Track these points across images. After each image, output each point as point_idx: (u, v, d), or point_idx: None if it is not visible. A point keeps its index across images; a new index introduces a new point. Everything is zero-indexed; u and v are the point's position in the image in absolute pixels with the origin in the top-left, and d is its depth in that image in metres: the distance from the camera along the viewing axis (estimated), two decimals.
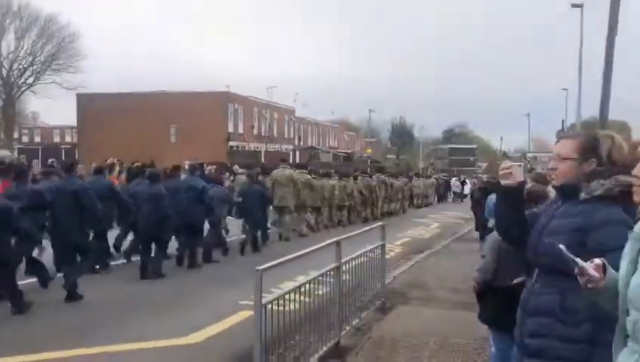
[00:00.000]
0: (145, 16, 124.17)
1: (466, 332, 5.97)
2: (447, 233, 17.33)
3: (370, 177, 21.87)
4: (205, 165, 19.50)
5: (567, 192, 2.38)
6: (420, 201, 28.79)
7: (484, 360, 5.09)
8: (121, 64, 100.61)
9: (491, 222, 4.30)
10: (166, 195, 9.22)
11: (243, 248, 11.52)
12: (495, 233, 4.30)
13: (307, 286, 4.88)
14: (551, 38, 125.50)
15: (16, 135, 55.16)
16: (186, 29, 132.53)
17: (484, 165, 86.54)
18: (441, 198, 34.88)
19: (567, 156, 2.38)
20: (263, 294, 3.95)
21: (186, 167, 13.21)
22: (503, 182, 2.52)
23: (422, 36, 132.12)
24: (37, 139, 70.91)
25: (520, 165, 2.53)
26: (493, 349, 4.43)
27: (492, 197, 4.50)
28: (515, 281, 4.11)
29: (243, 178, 14.40)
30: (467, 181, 39.61)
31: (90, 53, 56.32)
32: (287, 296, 4.45)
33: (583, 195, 2.32)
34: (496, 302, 4.16)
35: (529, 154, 72.36)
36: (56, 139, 69.30)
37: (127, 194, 9.64)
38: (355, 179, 19.73)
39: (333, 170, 20.15)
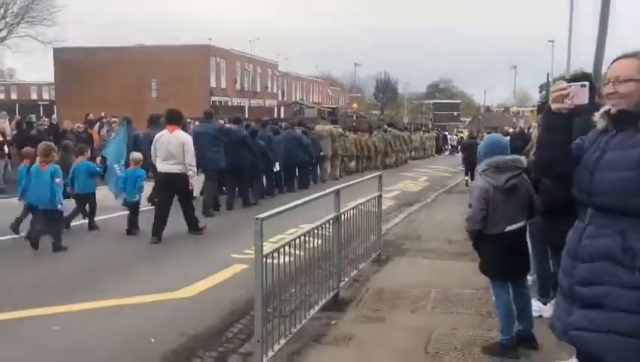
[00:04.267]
0: None
1: (466, 283, 5.85)
2: (435, 186, 17.24)
3: (385, 132, 24.60)
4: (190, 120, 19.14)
5: (626, 120, 2.10)
6: (417, 154, 30.32)
7: (488, 309, 4.97)
8: (98, 17, 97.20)
9: (480, 167, 4.09)
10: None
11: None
12: (480, 182, 4.08)
13: (307, 236, 4.65)
14: None
15: None
16: None
17: (467, 120, 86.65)
18: (439, 151, 36.94)
19: (630, 77, 2.09)
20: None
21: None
22: (554, 106, 2.21)
23: None
24: (13, 96, 69.00)
25: (585, 85, 2.20)
26: (494, 298, 4.29)
27: (483, 140, 4.32)
28: (508, 228, 3.95)
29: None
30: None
31: (67, 5, 54.17)
32: (287, 247, 4.22)
33: None
34: (491, 250, 4.01)
35: (512, 108, 72.61)
36: (34, 96, 67.54)
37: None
38: (371, 133, 23.03)
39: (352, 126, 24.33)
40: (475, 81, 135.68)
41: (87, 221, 9.04)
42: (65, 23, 61.71)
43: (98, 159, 11.33)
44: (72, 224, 8.86)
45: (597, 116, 2.20)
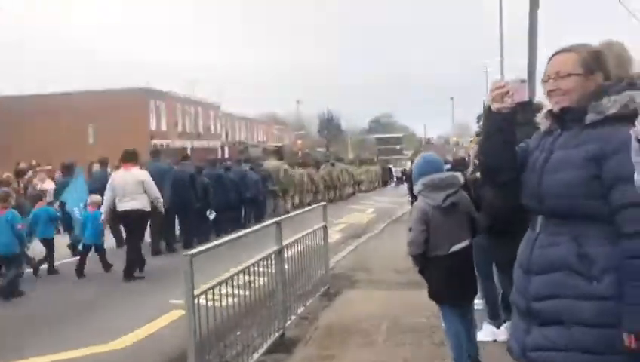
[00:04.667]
0: (55, 16, 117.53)
1: (418, 312, 5.63)
2: (383, 217, 17.19)
3: (333, 165, 25.14)
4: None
5: (570, 118, 1.94)
6: (364, 186, 31.24)
7: (439, 336, 4.75)
8: (29, 65, 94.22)
9: (416, 188, 3.89)
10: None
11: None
12: (419, 203, 3.89)
13: (246, 274, 4.33)
14: (472, 19, 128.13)
15: None
16: (100, 26, 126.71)
17: (410, 152, 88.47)
18: (385, 183, 38.43)
19: (570, 72, 1.95)
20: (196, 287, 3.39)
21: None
22: (494, 106, 2.03)
23: (341, 25, 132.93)
24: None
25: (524, 80, 2.07)
26: (443, 325, 4.08)
27: (416, 161, 4.15)
28: (453, 249, 3.76)
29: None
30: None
31: None
32: (223, 286, 3.89)
33: (590, 117, 1.89)
34: (438, 274, 3.79)
35: (453, 138, 74.56)
36: None
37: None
38: (318, 168, 23.38)
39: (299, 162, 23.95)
40: (415, 114, 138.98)
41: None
42: None
43: (56, 205, 10.81)
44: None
45: (540, 117, 2.05)
